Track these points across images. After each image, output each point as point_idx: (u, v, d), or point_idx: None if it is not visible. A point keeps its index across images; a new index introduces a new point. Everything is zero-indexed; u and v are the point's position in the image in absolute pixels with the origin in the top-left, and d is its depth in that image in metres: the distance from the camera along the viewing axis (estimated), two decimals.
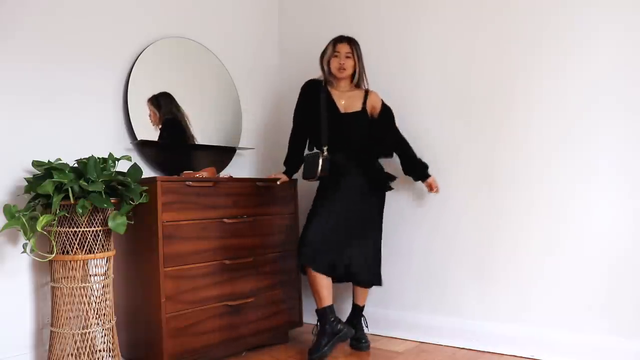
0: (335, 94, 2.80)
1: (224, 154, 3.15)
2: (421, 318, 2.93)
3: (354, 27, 3.16)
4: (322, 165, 2.70)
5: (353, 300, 2.86)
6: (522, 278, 2.64)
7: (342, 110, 2.77)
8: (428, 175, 2.83)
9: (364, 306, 2.85)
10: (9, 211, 2.08)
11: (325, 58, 2.79)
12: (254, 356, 2.69)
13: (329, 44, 2.80)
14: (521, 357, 2.59)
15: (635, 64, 2.38)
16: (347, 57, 2.74)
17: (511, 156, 2.69)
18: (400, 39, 3.08)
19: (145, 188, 2.32)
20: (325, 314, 2.59)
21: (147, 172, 2.79)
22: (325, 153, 2.72)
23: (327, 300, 2.59)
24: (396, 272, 3.04)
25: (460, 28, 2.87)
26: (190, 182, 2.49)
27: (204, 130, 3.04)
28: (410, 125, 2.98)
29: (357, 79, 2.80)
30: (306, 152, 2.86)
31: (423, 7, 3.00)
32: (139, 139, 2.71)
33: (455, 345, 2.79)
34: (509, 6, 2.71)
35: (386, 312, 3.05)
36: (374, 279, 2.78)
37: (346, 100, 2.79)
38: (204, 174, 2.68)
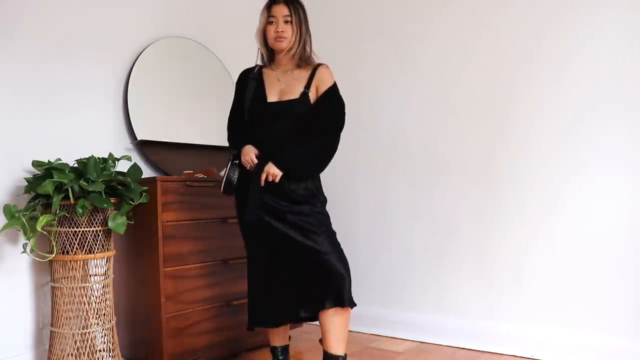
0: (271, 78, 2.22)
1: (224, 154, 3.14)
2: (421, 318, 2.93)
3: (354, 28, 3.17)
4: (227, 176, 2.17)
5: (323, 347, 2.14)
6: (522, 278, 2.64)
7: (273, 99, 2.18)
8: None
9: (339, 357, 2.10)
10: (9, 211, 2.08)
11: (259, 28, 2.23)
12: (254, 356, 2.69)
13: (262, 10, 2.24)
14: (521, 357, 2.59)
15: (635, 64, 2.38)
16: (286, 22, 2.16)
17: (511, 155, 2.69)
18: (401, 39, 3.08)
19: (145, 188, 2.32)
20: (274, 354, 2.29)
21: (147, 172, 2.79)
22: (237, 160, 2.20)
23: (279, 341, 2.28)
24: (396, 271, 3.04)
25: (461, 28, 2.87)
26: (190, 182, 2.49)
27: (204, 130, 3.04)
28: (411, 124, 2.98)
29: (294, 50, 2.17)
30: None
31: (424, 7, 3.00)
32: (139, 139, 2.71)
33: (456, 345, 2.79)
34: (509, 6, 2.71)
35: (386, 312, 3.05)
36: (321, 300, 2.04)
37: (286, 84, 2.18)
38: (204, 174, 2.68)
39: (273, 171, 2.09)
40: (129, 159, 2.38)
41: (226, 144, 3.10)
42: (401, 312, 3.02)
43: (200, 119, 3.04)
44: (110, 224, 2.19)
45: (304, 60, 2.20)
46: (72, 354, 2.20)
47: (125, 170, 2.33)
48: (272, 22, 2.17)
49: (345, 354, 2.11)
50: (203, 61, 3.10)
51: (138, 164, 2.43)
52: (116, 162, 2.33)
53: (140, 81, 2.78)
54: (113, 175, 2.24)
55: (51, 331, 2.23)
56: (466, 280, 2.81)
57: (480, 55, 2.80)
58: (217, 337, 2.56)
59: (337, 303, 2.04)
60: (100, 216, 2.24)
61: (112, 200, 2.22)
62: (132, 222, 2.34)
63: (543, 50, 2.61)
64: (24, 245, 2.16)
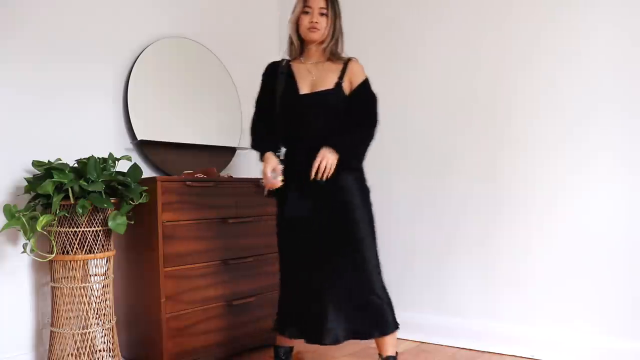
0: (301, 70, 2.22)
1: (224, 154, 3.14)
2: (421, 318, 2.93)
3: (357, 28, 3.16)
4: (282, 175, 2.14)
5: (379, 352, 2.20)
6: (523, 278, 2.64)
7: (306, 90, 2.17)
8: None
9: (392, 356, 2.17)
10: (9, 211, 2.08)
11: (293, 17, 2.22)
12: (254, 356, 2.69)
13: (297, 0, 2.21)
14: (521, 357, 2.59)
15: (634, 64, 2.38)
16: (322, 14, 2.16)
17: (512, 155, 2.69)
18: (402, 40, 3.08)
19: (145, 188, 2.32)
20: (277, 353, 2.32)
21: (147, 172, 2.79)
22: (281, 153, 2.18)
23: (282, 341, 2.31)
24: (396, 271, 3.04)
25: (464, 30, 2.87)
26: (190, 182, 2.49)
27: (204, 130, 3.04)
28: (413, 125, 2.98)
29: (327, 43, 2.18)
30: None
31: (427, 9, 3.00)
32: (139, 139, 2.71)
33: (456, 345, 2.79)
34: (510, 9, 2.71)
35: None
36: (375, 326, 2.08)
37: (317, 76, 2.19)
38: (204, 174, 2.68)
39: (329, 157, 2.05)
40: (129, 159, 2.38)
41: (226, 144, 3.12)
42: (401, 312, 3.00)
43: (200, 119, 3.04)
44: (110, 224, 2.19)
45: (335, 55, 2.21)
46: (72, 354, 2.20)
47: (125, 170, 2.33)
48: (307, 12, 2.17)
49: (396, 352, 2.19)
50: (203, 61, 3.10)
51: (138, 164, 2.43)
52: (116, 162, 2.33)
53: (140, 81, 2.78)
54: (113, 175, 2.24)
55: (51, 331, 2.23)
56: (466, 281, 2.81)
57: (481, 56, 2.80)
58: (217, 337, 2.56)
59: (383, 332, 2.09)
60: (100, 216, 2.23)
61: (112, 200, 2.22)
62: (132, 222, 2.34)
63: (543, 50, 2.61)
64: (24, 245, 2.16)
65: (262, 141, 2.23)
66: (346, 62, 2.21)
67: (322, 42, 2.18)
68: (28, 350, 2.34)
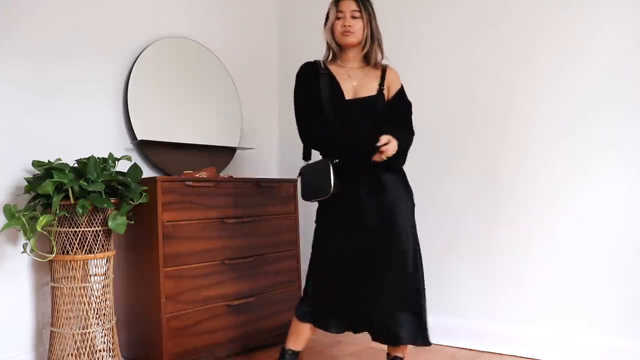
0: (341, 74, 2.17)
1: (224, 154, 3.15)
2: None
3: None
4: (334, 179, 2.05)
5: (388, 352, 2.24)
6: (523, 278, 2.64)
7: (349, 96, 2.14)
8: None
9: (400, 357, 2.20)
10: (9, 211, 2.08)
11: (328, 24, 2.19)
12: (254, 356, 2.69)
13: (330, 5, 2.19)
14: (521, 357, 2.59)
15: (634, 63, 2.38)
16: (354, 17, 2.12)
17: (512, 155, 2.69)
18: (403, 41, 3.08)
19: (145, 188, 2.32)
20: (283, 355, 2.23)
21: (147, 172, 2.79)
22: (337, 160, 2.10)
23: (294, 345, 2.21)
24: None
25: (463, 28, 2.87)
26: (190, 182, 2.49)
27: (204, 130, 3.04)
28: (413, 124, 2.98)
29: (367, 47, 2.15)
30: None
31: (425, 9, 3.00)
32: (139, 139, 2.71)
33: (456, 345, 2.79)
34: (509, 8, 2.71)
35: None
36: (417, 335, 2.06)
37: (358, 81, 2.16)
38: (204, 174, 2.68)
39: (394, 141, 2.03)
40: (129, 159, 2.38)
41: (226, 144, 3.12)
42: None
43: (200, 119, 3.04)
44: (110, 224, 2.19)
45: (374, 59, 2.18)
46: (72, 354, 2.20)
47: (125, 170, 2.33)
48: (339, 17, 2.14)
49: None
50: (203, 61, 3.10)
51: (138, 164, 2.43)
52: (116, 162, 2.33)
53: (140, 81, 2.78)
54: (113, 175, 2.24)
55: (51, 331, 2.23)
56: (467, 280, 2.81)
57: (480, 56, 2.80)
58: (217, 337, 2.56)
59: (414, 341, 2.08)
60: (100, 216, 2.24)
61: (112, 200, 2.22)
62: (132, 222, 2.34)
63: (543, 50, 2.61)
64: (24, 245, 2.16)
65: (325, 138, 2.16)
66: (384, 68, 2.21)
67: (360, 46, 2.16)
68: (28, 350, 2.34)
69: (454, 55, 2.89)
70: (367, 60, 2.20)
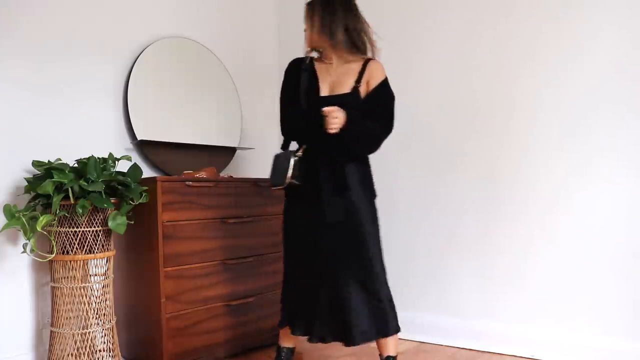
0: (322, 70, 2.21)
1: (224, 154, 3.15)
2: (421, 318, 2.93)
3: None
4: (293, 170, 2.10)
5: (380, 352, 2.22)
6: (522, 278, 2.64)
7: (325, 92, 2.16)
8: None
9: (392, 356, 2.19)
10: (9, 211, 2.08)
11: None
12: (254, 356, 2.69)
13: None
14: (521, 357, 2.59)
15: (634, 65, 2.38)
16: (307, 20, 2.20)
17: (512, 156, 2.69)
18: (403, 42, 3.08)
19: (145, 188, 2.32)
20: (279, 353, 2.32)
21: (147, 172, 2.79)
22: (300, 152, 2.16)
23: (287, 342, 2.30)
24: (396, 271, 3.04)
25: (462, 30, 2.87)
26: (190, 182, 2.49)
27: (204, 130, 3.04)
28: (413, 125, 2.98)
29: (333, 43, 2.13)
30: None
31: (426, 10, 3.00)
32: (139, 139, 2.71)
33: (455, 345, 2.79)
34: (510, 9, 2.71)
35: None
36: (378, 329, 2.10)
37: (336, 78, 2.17)
38: (203, 174, 2.68)
39: (340, 114, 2.02)
40: (129, 159, 2.38)
41: (226, 144, 3.12)
42: (401, 312, 3.01)
43: (200, 119, 3.04)
44: (110, 224, 2.19)
45: (351, 53, 2.16)
46: (72, 354, 2.20)
47: (125, 170, 2.33)
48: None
49: (397, 353, 2.21)
50: (203, 61, 3.10)
51: (138, 164, 2.43)
52: (116, 162, 2.33)
53: (140, 81, 2.78)
54: (113, 175, 2.24)
55: (51, 331, 2.23)
56: (466, 280, 2.81)
57: (481, 57, 2.80)
58: (217, 337, 2.56)
59: (384, 334, 2.13)
60: (100, 216, 2.23)
61: (112, 200, 2.22)
62: (132, 222, 2.34)
63: (544, 51, 2.61)
64: (24, 245, 2.16)
65: (299, 127, 2.21)
66: (366, 62, 2.17)
67: (328, 45, 2.16)
68: (28, 350, 2.34)
69: (455, 56, 2.89)
70: (345, 55, 2.17)
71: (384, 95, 2.16)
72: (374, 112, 2.13)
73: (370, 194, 2.19)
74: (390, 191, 3.06)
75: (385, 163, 3.01)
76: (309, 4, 2.20)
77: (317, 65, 2.23)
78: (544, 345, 2.55)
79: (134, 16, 2.81)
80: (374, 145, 2.17)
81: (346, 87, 2.14)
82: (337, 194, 2.11)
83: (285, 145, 2.27)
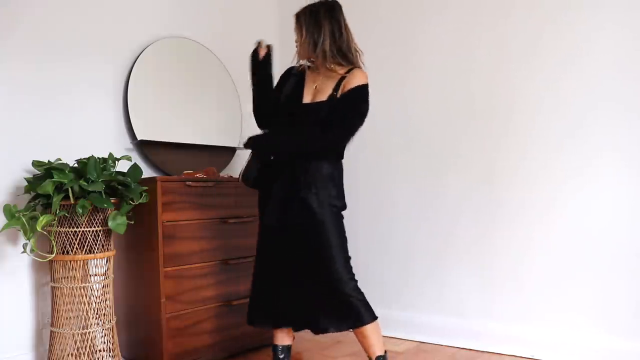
0: (310, 79, 2.24)
1: (224, 154, 3.15)
2: (421, 318, 2.93)
3: (355, 31, 3.15)
4: (249, 167, 2.21)
5: (369, 355, 2.19)
6: (522, 278, 2.64)
7: (307, 99, 2.19)
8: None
9: (381, 356, 2.16)
10: (9, 211, 2.08)
11: None
12: (255, 356, 2.69)
13: None
14: (521, 357, 2.59)
15: (634, 64, 2.39)
16: (296, 31, 2.24)
17: (511, 156, 2.69)
18: (402, 43, 3.08)
19: (145, 188, 2.32)
20: (275, 352, 2.31)
21: (147, 172, 2.79)
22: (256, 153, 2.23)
23: (281, 341, 2.30)
24: (396, 272, 3.04)
25: (461, 30, 2.87)
26: (190, 182, 2.49)
27: (204, 130, 3.04)
28: (411, 126, 2.98)
29: (310, 52, 2.16)
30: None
31: (425, 11, 3.00)
32: (139, 139, 2.71)
33: (455, 345, 2.79)
34: (509, 7, 2.71)
35: (386, 312, 3.04)
36: (353, 320, 2.11)
37: (320, 86, 2.19)
38: (204, 174, 2.68)
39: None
40: (129, 159, 2.38)
41: (226, 144, 3.12)
42: (401, 312, 3.02)
43: (200, 119, 3.04)
44: (110, 224, 2.19)
45: (337, 57, 2.15)
46: (72, 354, 2.20)
47: (125, 170, 2.33)
48: None
49: (385, 351, 2.18)
50: (203, 61, 3.10)
51: (138, 164, 2.43)
52: (116, 162, 2.33)
53: (140, 81, 2.78)
54: (113, 175, 2.24)
55: (51, 331, 2.23)
56: (466, 281, 2.82)
57: (480, 57, 2.80)
58: (217, 337, 2.56)
59: (355, 325, 2.12)
60: (100, 216, 2.24)
61: (112, 200, 2.22)
62: (132, 222, 2.34)
63: (542, 52, 2.61)
64: (24, 245, 2.16)
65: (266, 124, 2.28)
66: (349, 71, 2.16)
67: (313, 56, 2.18)
68: (28, 350, 2.34)
69: (453, 58, 2.89)
70: (328, 64, 2.16)
71: (347, 100, 2.12)
72: (332, 116, 2.11)
73: (331, 191, 2.15)
74: (389, 192, 3.06)
75: (384, 164, 3.02)
76: (296, 16, 2.24)
77: (307, 73, 2.26)
78: (543, 345, 2.55)
79: (134, 16, 2.81)
80: (304, 151, 2.15)
81: (324, 96, 2.15)
82: (291, 194, 2.13)
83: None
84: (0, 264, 2.28)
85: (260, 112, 2.29)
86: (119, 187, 2.26)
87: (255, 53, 2.31)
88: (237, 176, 3.05)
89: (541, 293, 2.59)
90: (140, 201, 2.28)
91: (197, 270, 2.50)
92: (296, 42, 2.25)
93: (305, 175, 2.12)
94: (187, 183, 2.48)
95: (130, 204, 2.26)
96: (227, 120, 3.18)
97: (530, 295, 2.62)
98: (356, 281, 2.16)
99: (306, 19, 2.18)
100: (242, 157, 3.32)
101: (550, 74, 2.59)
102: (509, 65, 2.70)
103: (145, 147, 2.78)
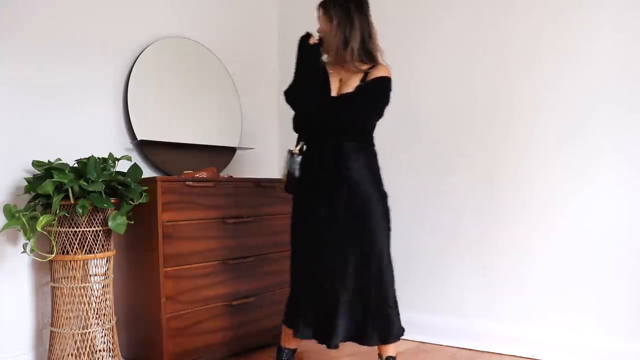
0: (334, 72, 2.23)
1: (224, 154, 3.15)
2: (421, 318, 2.93)
3: None
4: (290, 169, 2.17)
5: (379, 352, 2.23)
6: (522, 278, 2.64)
7: (333, 93, 2.18)
8: None
9: (392, 357, 2.20)
10: (9, 211, 2.08)
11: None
12: (254, 356, 2.69)
13: None
14: (521, 357, 2.59)
15: (634, 65, 2.38)
16: (323, 21, 2.18)
17: (512, 156, 2.69)
18: (404, 42, 3.08)
19: (145, 188, 2.32)
20: (280, 354, 2.30)
21: (147, 172, 2.79)
22: (297, 148, 2.18)
23: (288, 343, 2.27)
24: (396, 271, 3.03)
25: (462, 31, 2.87)
26: (190, 182, 2.49)
27: (204, 130, 3.04)
28: (412, 126, 2.98)
29: (339, 49, 2.13)
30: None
31: (427, 10, 3.00)
32: (139, 139, 2.71)
33: (455, 345, 2.79)
34: (509, 7, 2.71)
35: None
36: (386, 332, 2.11)
37: (345, 78, 2.18)
38: (204, 174, 2.68)
39: None
40: (129, 159, 2.38)
41: (226, 144, 3.12)
42: (401, 312, 3.01)
43: (200, 119, 3.04)
44: (110, 224, 2.19)
45: (363, 57, 2.14)
46: (72, 354, 2.20)
47: (125, 170, 2.33)
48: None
49: (396, 353, 2.23)
50: (203, 61, 3.10)
51: (138, 164, 2.43)
52: (116, 162, 2.33)
53: (140, 81, 2.78)
54: (113, 175, 2.24)
55: (51, 331, 2.23)
56: (467, 280, 2.81)
57: (480, 58, 2.80)
58: (217, 337, 2.56)
59: (385, 341, 2.15)
60: (100, 216, 2.23)
61: (112, 200, 2.22)
62: (132, 222, 2.34)
63: (543, 52, 2.61)
64: (24, 245, 2.16)
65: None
66: (373, 66, 2.16)
67: (334, 48, 2.15)
68: (28, 350, 2.34)
69: (455, 57, 2.89)
70: (355, 59, 2.15)
71: (372, 86, 2.13)
72: (357, 99, 2.13)
73: (378, 184, 2.18)
74: (390, 191, 3.05)
75: (386, 163, 3.00)
76: (323, 5, 2.16)
77: (328, 67, 2.24)
78: (543, 345, 2.55)
79: (134, 16, 2.81)
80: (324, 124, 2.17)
81: (351, 87, 2.15)
82: (339, 187, 2.09)
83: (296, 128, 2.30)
84: (0, 264, 2.28)
85: (301, 98, 2.18)
86: (119, 187, 2.26)
87: (305, 39, 2.20)
88: (237, 176, 3.07)
89: (542, 293, 2.59)
90: (140, 201, 2.28)
91: (197, 270, 2.50)
92: (319, 31, 2.20)
93: (353, 164, 2.11)
94: (187, 183, 2.48)
95: (130, 204, 2.26)
96: (227, 120, 3.18)
97: (531, 295, 2.62)
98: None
99: (337, 12, 2.12)
100: (243, 157, 3.32)
101: (551, 73, 2.59)
102: (511, 64, 2.70)
103: (145, 147, 2.78)
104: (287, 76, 3.53)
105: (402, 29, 3.09)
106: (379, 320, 2.10)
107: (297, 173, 2.15)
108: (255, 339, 2.74)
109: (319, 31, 2.21)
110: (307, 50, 2.18)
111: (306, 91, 2.17)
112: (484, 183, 2.77)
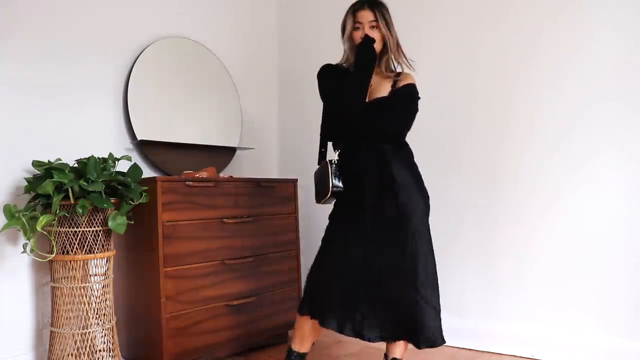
0: None
1: (224, 154, 3.15)
2: None
3: None
4: (332, 179, 2.13)
5: (386, 352, 2.23)
6: (523, 278, 2.64)
7: (367, 98, 2.16)
8: None
9: (398, 359, 2.21)
10: (9, 211, 2.08)
11: (346, 35, 2.21)
12: (254, 356, 2.69)
13: (346, 14, 2.21)
14: (521, 357, 2.59)
15: (633, 63, 2.39)
16: (372, 26, 2.14)
17: (512, 156, 2.69)
18: (403, 42, 3.06)
19: (145, 188, 2.32)
20: (289, 356, 2.21)
21: (147, 172, 2.79)
22: (335, 158, 2.17)
23: (299, 346, 2.19)
24: None
25: (461, 30, 2.87)
26: (190, 182, 2.49)
27: (204, 130, 3.04)
28: (415, 127, 2.97)
29: (389, 56, 2.19)
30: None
31: (426, 9, 3.00)
32: (139, 139, 2.71)
33: (455, 345, 2.79)
34: (509, 10, 2.71)
35: None
36: (432, 335, 2.10)
37: (375, 84, 2.18)
38: (204, 174, 2.68)
39: None
40: (129, 159, 2.38)
41: (226, 144, 3.12)
42: None
43: (200, 119, 3.04)
44: (110, 224, 2.19)
45: (390, 67, 2.21)
46: (72, 354, 2.20)
47: (125, 170, 2.33)
48: (358, 27, 2.16)
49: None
50: (203, 61, 3.10)
51: (138, 164, 2.43)
52: (116, 162, 2.33)
53: (140, 81, 2.78)
54: (113, 175, 2.24)
55: (51, 331, 2.23)
56: (467, 280, 2.81)
57: (480, 57, 2.80)
58: (217, 337, 2.56)
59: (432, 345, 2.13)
60: (100, 216, 2.24)
61: (112, 200, 2.22)
62: (132, 222, 2.34)
63: (542, 51, 2.61)
64: (24, 245, 2.16)
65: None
66: (399, 73, 2.22)
67: (379, 54, 2.17)
68: (28, 350, 2.34)
69: (454, 57, 2.89)
70: (384, 67, 2.20)
71: (404, 92, 2.18)
72: (391, 103, 2.16)
73: (420, 184, 2.20)
74: None
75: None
76: (373, 7, 2.16)
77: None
78: (544, 345, 2.55)
79: (134, 16, 2.81)
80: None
81: (384, 92, 2.17)
82: (383, 193, 2.09)
83: (321, 155, 2.27)
84: (0, 264, 2.28)
85: (350, 102, 2.14)
86: (119, 187, 2.26)
87: (371, 43, 2.15)
88: (237, 176, 3.07)
89: (542, 293, 2.59)
90: (140, 201, 2.28)
91: (197, 270, 2.50)
92: (357, 28, 2.16)
93: (396, 171, 2.12)
94: (187, 183, 2.48)
95: (130, 204, 2.26)
96: (227, 120, 3.18)
97: (531, 295, 2.62)
98: None
99: (386, 16, 2.17)
100: (243, 157, 3.32)
101: (551, 73, 2.59)
102: (510, 64, 2.70)
103: (145, 147, 2.78)
104: (287, 76, 3.55)
105: (401, 28, 3.08)
106: (413, 320, 2.11)
107: (337, 181, 2.14)
108: (255, 339, 2.74)
109: (357, 27, 2.17)
110: (371, 55, 2.15)
111: (357, 96, 2.14)
112: (484, 183, 2.77)
